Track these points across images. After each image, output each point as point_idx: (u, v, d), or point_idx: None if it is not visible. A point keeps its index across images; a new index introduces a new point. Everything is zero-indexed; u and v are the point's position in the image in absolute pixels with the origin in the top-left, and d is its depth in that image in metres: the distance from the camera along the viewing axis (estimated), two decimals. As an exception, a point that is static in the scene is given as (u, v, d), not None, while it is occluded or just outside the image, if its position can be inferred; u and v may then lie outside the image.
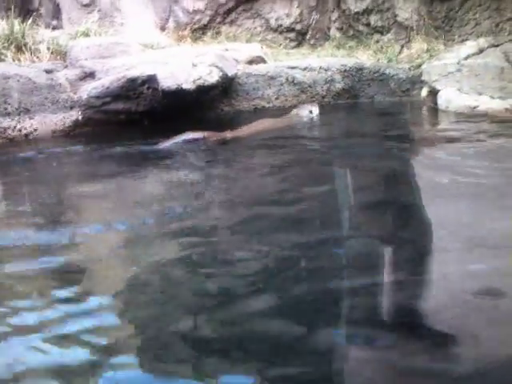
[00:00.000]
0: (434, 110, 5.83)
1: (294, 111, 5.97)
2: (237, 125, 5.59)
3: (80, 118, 5.93)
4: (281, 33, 8.36)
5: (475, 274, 2.47)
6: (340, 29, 8.24)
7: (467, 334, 2.04)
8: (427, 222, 3.07)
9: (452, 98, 5.63)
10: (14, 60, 6.41)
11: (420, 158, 4.47)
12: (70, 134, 5.87)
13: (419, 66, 6.55)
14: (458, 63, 5.96)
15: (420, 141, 5.06)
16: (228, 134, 5.31)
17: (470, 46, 6.20)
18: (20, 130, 5.73)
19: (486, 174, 3.70)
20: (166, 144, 5.06)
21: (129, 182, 4.21)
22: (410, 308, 2.24)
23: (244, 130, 5.41)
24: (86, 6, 8.50)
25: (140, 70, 5.95)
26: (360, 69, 6.66)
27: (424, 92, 6.18)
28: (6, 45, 6.54)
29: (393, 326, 2.15)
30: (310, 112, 5.94)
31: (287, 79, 6.60)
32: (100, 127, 5.90)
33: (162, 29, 8.20)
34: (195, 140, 5.17)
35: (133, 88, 5.88)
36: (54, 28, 8.28)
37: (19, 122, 5.74)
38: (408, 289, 2.39)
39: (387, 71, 6.67)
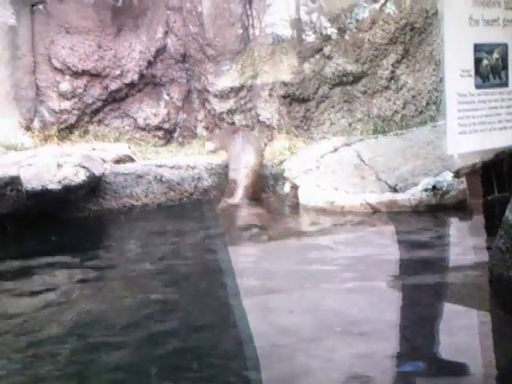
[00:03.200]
0: (296, 205, 6.11)
1: None
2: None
3: None
4: (149, 131, 8.53)
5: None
6: (206, 128, 8.56)
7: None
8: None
9: (311, 193, 5.94)
10: None
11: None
12: None
13: (281, 162, 6.89)
14: (316, 161, 6.33)
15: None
16: None
17: (326, 145, 6.64)
18: None
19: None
20: None
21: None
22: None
23: None
24: None
25: (2, 172, 5.83)
26: (226, 166, 6.88)
27: (286, 188, 6.48)
28: None
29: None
30: None
31: (155, 177, 6.70)
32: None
33: (27, 129, 8.09)
34: None
35: (-5, 190, 5.73)
36: None
37: None
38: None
39: (253, 168, 6.95)
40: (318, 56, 7.72)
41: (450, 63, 2.95)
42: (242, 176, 6.55)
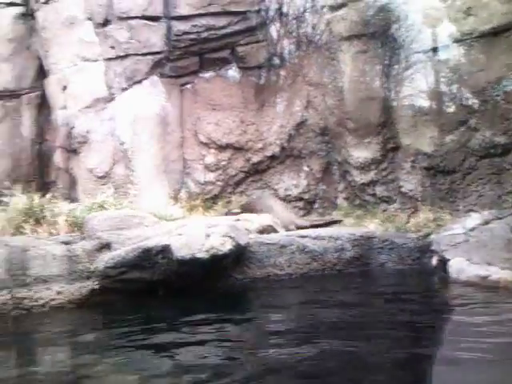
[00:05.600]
0: (445, 279, 5.93)
1: None
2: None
3: (96, 287, 6.00)
4: (289, 202, 8.73)
5: None
6: (347, 198, 8.62)
7: None
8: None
9: (462, 267, 5.76)
10: (32, 232, 6.62)
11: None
12: (86, 303, 5.90)
13: (427, 235, 6.76)
14: (465, 234, 6.15)
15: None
16: None
17: (475, 218, 6.43)
18: (37, 300, 5.77)
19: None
20: None
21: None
22: None
23: None
24: (101, 178, 8.89)
25: (155, 241, 6.13)
26: (370, 237, 6.86)
27: (434, 261, 6.33)
28: (25, 218, 6.78)
29: None
30: None
31: (298, 247, 6.76)
32: (115, 296, 5.95)
33: (175, 199, 8.53)
34: None
35: (148, 258, 6.02)
36: (68, 198, 8.59)
37: (36, 292, 5.80)
38: None
39: (396, 240, 6.87)
40: (462, 128, 7.60)
41: None
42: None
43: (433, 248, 6.38)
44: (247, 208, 7.96)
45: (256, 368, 3.75)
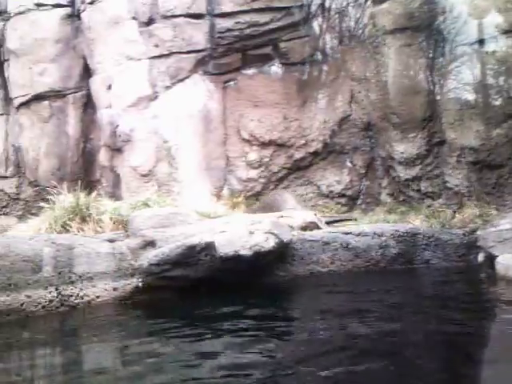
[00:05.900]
0: (492, 276, 5.78)
1: None
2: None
3: (140, 284, 6.06)
4: (332, 198, 8.68)
5: None
6: (391, 194, 8.51)
7: None
8: None
9: (510, 264, 5.62)
10: (77, 230, 6.72)
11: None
12: (130, 300, 5.96)
13: (473, 231, 6.62)
14: (513, 229, 6.01)
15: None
16: None
17: (524, 213, 6.29)
18: (82, 298, 5.86)
19: None
20: None
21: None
22: None
23: None
24: (145, 175, 9.00)
25: (198, 238, 6.15)
26: (414, 234, 6.73)
27: (481, 257, 6.19)
28: (71, 216, 6.90)
29: None
30: None
31: (341, 244, 6.70)
32: (159, 294, 5.99)
33: (217, 196, 8.57)
34: None
35: (191, 255, 6.04)
36: (113, 196, 8.70)
37: (82, 289, 5.89)
38: None
39: (442, 236, 6.72)
40: (510, 121, 7.43)
41: None
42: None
43: (479, 244, 6.24)
44: (266, 206, 7.95)
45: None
